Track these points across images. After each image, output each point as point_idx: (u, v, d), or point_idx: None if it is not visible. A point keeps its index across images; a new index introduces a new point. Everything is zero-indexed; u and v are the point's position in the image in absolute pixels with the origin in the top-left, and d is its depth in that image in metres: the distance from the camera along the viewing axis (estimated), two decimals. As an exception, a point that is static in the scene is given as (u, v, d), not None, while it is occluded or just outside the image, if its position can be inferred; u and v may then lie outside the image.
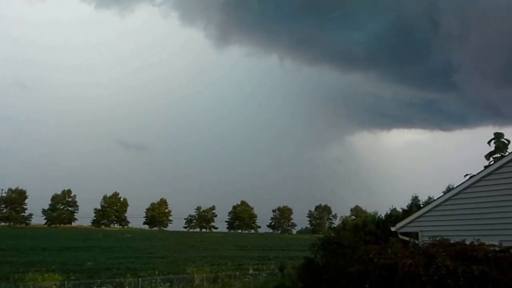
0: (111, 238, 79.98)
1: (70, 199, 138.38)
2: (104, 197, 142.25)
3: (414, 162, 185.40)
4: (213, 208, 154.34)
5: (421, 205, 24.49)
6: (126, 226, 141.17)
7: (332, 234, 26.11)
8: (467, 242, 10.06)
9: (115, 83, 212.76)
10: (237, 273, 30.96)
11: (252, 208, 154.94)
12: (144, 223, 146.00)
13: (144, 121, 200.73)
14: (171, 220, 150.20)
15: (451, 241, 10.29)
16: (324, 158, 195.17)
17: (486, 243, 10.00)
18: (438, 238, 10.68)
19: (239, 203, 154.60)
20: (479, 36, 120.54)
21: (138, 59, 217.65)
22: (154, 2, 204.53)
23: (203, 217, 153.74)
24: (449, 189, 18.38)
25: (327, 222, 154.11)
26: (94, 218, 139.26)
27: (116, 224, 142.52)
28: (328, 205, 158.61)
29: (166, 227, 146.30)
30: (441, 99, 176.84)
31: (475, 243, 10.03)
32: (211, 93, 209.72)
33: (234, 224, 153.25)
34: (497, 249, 9.81)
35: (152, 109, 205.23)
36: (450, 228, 12.72)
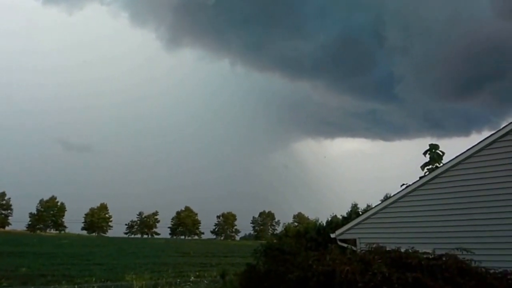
0: (46, 244, 76.62)
1: (4, 202, 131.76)
2: (41, 201, 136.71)
3: (356, 170, 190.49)
4: (156, 213, 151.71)
5: (360, 213, 25.22)
6: (63, 232, 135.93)
7: (275, 241, 26.40)
8: (402, 250, 10.34)
9: (58, 78, 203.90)
10: (178, 280, 30.52)
11: (196, 214, 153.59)
12: (83, 228, 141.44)
13: (89, 120, 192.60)
14: (111, 226, 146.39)
15: (387, 248, 10.55)
16: (270, 164, 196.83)
17: (420, 251, 10.32)
18: (374, 245, 10.92)
19: (183, 208, 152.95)
20: (421, 50, 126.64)
21: (84, 56, 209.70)
22: (103, 1, 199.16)
23: (145, 223, 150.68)
24: (386, 198, 19.03)
25: (270, 229, 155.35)
26: (29, 223, 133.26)
27: (52, 229, 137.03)
28: (272, 211, 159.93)
29: (105, 233, 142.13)
30: (384, 110, 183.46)
31: (410, 250, 10.33)
32: (160, 95, 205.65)
33: (177, 230, 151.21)
34: (430, 256, 10.14)
35: (99, 109, 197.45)
36: (387, 236, 13.11)
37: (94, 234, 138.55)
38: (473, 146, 12.41)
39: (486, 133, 12.59)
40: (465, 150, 12.60)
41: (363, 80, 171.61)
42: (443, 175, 12.91)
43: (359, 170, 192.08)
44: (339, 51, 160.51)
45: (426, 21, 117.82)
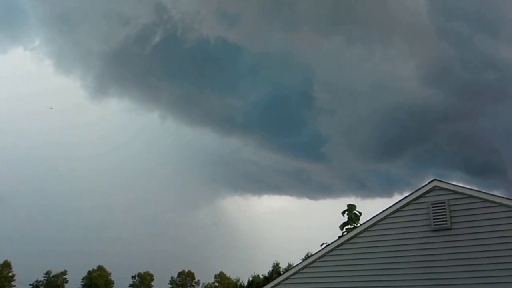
0: None
1: None
2: None
3: (280, 228, 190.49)
4: (64, 273, 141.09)
5: (282, 272, 24.99)
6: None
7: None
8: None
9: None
10: None
11: (110, 274, 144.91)
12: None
13: (5, 172, 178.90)
14: (14, 286, 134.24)
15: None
16: (194, 222, 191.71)
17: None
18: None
19: (95, 268, 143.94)
20: (347, 112, 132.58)
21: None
22: (27, 46, 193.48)
23: (52, 283, 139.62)
24: (307, 256, 19.06)
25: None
26: None
27: None
28: (192, 271, 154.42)
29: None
30: (311, 169, 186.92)
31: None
32: (80, 145, 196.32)
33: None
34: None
35: (14, 156, 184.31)
36: (306, 296, 12.95)
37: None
38: (388, 208, 12.81)
39: (407, 196, 13.08)
40: (381, 211, 12.99)
41: (292, 139, 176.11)
42: (360, 235, 13.14)
43: (283, 227, 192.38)
44: (269, 109, 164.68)
45: (352, 86, 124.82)
